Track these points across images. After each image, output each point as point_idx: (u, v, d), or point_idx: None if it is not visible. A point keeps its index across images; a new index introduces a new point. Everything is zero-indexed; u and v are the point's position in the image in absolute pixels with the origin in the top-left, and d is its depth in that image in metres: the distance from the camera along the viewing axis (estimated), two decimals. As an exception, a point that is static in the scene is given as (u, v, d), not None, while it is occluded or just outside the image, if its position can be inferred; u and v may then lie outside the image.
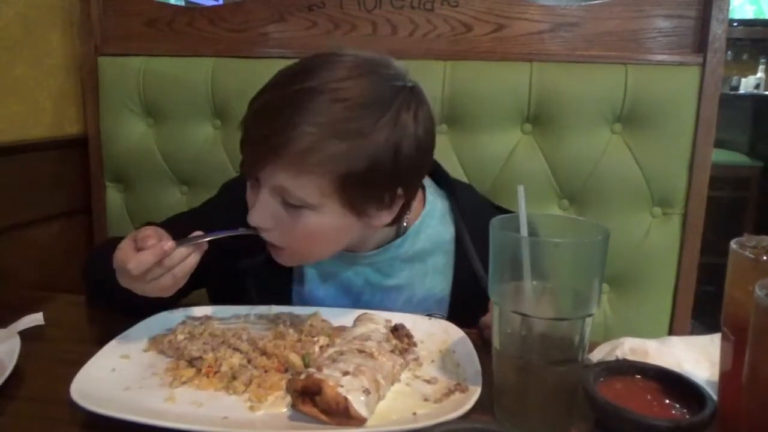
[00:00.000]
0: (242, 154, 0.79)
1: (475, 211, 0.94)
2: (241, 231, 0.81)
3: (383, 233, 0.91)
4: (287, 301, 0.94)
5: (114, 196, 1.59)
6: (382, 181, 0.78)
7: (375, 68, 0.78)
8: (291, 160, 0.73)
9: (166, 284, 0.75)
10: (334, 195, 0.76)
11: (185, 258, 0.75)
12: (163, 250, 0.72)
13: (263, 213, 0.78)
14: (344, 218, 0.79)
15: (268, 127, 0.74)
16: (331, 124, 0.73)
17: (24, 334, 0.82)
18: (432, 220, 0.93)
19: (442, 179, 0.99)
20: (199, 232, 0.78)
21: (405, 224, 0.91)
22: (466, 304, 0.89)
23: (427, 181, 0.97)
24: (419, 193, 0.93)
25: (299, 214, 0.77)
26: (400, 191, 0.81)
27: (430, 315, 0.91)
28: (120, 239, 0.77)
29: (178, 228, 0.94)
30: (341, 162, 0.74)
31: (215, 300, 1.01)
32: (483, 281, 0.87)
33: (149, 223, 1.00)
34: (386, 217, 0.83)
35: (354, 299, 0.94)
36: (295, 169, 0.74)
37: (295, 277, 0.95)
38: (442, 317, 0.95)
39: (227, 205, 0.97)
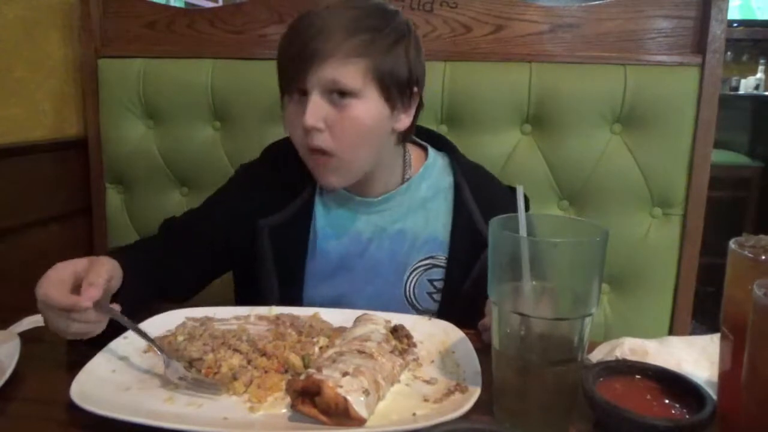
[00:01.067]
0: (285, 74, 0.91)
1: (471, 167, 1.07)
2: (155, 341, 0.79)
3: (391, 179, 1.01)
4: (302, 255, 1.00)
5: (114, 198, 1.59)
6: (404, 75, 0.92)
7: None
8: (335, 53, 0.86)
9: (57, 326, 0.76)
10: (372, 82, 0.89)
11: (92, 321, 0.75)
12: (75, 304, 0.73)
13: (315, 114, 0.87)
14: (381, 109, 0.91)
15: (309, 38, 0.87)
16: (355, 22, 0.88)
17: (24, 336, 0.82)
18: (433, 170, 1.04)
19: (443, 143, 1.10)
20: (127, 321, 0.77)
21: (407, 176, 1.02)
22: (463, 248, 0.98)
23: (429, 144, 1.09)
24: (420, 150, 1.06)
25: (346, 107, 0.88)
26: (415, 89, 0.95)
27: (431, 289, 1.00)
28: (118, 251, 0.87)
29: (192, 225, 1.06)
30: (371, 50, 0.88)
31: (239, 272, 1.07)
32: (479, 224, 0.98)
33: (170, 225, 1.06)
34: (406, 120, 0.96)
35: (363, 247, 1.01)
36: (340, 59, 0.86)
37: (310, 234, 1.02)
38: (444, 279, 1.01)
39: (246, 185, 1.06)
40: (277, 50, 0.93)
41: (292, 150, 0.98)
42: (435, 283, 1.01)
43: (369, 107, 0.90)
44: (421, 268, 1.01)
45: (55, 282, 0.75)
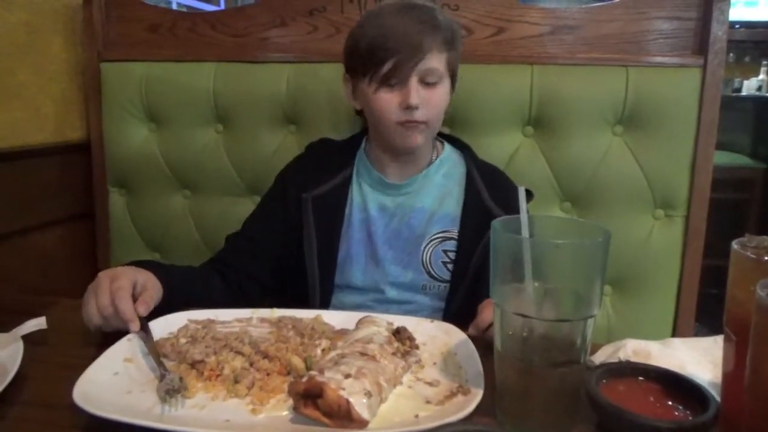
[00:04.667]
0: (388, 65, 1.06)
1: (482, 162, 1.24)
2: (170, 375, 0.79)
3: (420, 163, 1.19)
4: (339, 223, 1.17)
5: (117, 201, 1.59)
6: (457, 66, 1.14)
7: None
8: (434, 47, 1.06)
9: (90, 314, 0.86)
10: (447, 70, 1.11)
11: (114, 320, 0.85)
12: (127, 321, 0.84)
13: (416, 96, 1.06)
14: (449, 89, 1.14)
15: (410, 35, 1.05)
16: (437, 19, 1.08)
17: (27, 339, 0.82)
18: (448, 162, 1.22)
19: (459, 142, 1.27)
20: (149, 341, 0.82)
21: (431, 158, 1.21)
22: (473, 223, 1.13)
23: (445, 141, 1.27)
24: (439, 144, 1.24)
25: (434, 90, 1.09)
26: (457, 79, 1.17)
27: (445, 258, 1.14)
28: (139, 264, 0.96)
29: (254, 219, 1.23)
30: (452, 45, 1.11)
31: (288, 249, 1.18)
32: (488, 203, 1.14)
33: (233, 234, 1.22)
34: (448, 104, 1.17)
35: (388, 220, 1.18)
36: (437, 52, 1.07)
37: (346, 207, 1.19)
38: (454, 247, 1.15)
39: (292, 171, 1.24)
40: (350, 46, 1.12)
41: (330, 144, 1.27)
42: (449, 253, 1.14)
43: (446, 88, 1.12)
44: (437, 240, 1.15)
45: (126, 288, 0.87)
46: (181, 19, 1.53)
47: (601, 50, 1.35)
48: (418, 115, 1.08)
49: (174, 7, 3.92)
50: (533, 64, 1.34)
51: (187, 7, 4.26)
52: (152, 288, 0.92)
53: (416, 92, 1.06)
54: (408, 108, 1.07)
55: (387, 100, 1.09)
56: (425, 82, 1.08)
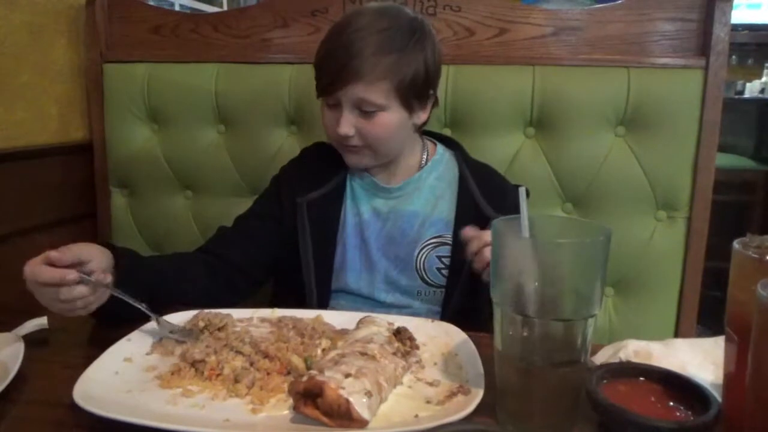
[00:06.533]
0: (321, 83, 1.05)
1: (476, 162, 1.21)
2: (143, 306, 0.86)
3: (409, 168, 1.17)
4: (335, 227, 1.16)
5: (119, 202, 1.60)
6: (423, 81, 1.05)
7: (394, 10, 1.07)
8: (364, 76, 1.00)
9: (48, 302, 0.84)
10: (395, 97, 1.03)
11: (83, 296, 0.83)
12: (60, 278, 0.82)
13: (347, 125, 1.03)
14: (403, 114, 1.06)
15: (344, 59, 1.00)
16: (382, 44, 1.00)
17: (28, 338, 0.82)
18: (440, 164, 1.19)
19: (452, 142, 1.25)
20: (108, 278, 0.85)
21: (422, 161, 1.18)
22: (467, 226, 1.08)
23: (438, 141, 1.25)
24: (431, 145, 1.21)
25: (375, 117, 1.03)
26: (431, 92, 1.10)
27: (439, 264, 1.12)
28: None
29: (248, 216, 1.19)
30: (396, 71, 1.01)
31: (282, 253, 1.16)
32: (481, 205, 1.12)
33: (224, 226, 1.19)
34: (423, 116, 1.11)
35: (382, 225, 1.16)
36: (368, 82, 1.00)
37: (341, 211, 1.17)
38: (453, 239, 1.13)
39: (288, 174, 1.22)
40: (313, 59, 1.07)
41: (325, 148, 1.21)
42: (443, 259, 1.12)
43: (393, 116, 1.05)
44: (430, 246, 1.13)
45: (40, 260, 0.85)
46: (183, 20, 1.54)
47: (603, 51, 1.35)
48: (352, 141, 1.06)
49: (176, 8, 3.93)
50: (535, 65, 1.34)
51: (190, 8, 4.27)
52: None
53: (348, 121, 1.03)
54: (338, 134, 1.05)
55: (328, 119, 1.08)
56: (362, 110, 1.03)
